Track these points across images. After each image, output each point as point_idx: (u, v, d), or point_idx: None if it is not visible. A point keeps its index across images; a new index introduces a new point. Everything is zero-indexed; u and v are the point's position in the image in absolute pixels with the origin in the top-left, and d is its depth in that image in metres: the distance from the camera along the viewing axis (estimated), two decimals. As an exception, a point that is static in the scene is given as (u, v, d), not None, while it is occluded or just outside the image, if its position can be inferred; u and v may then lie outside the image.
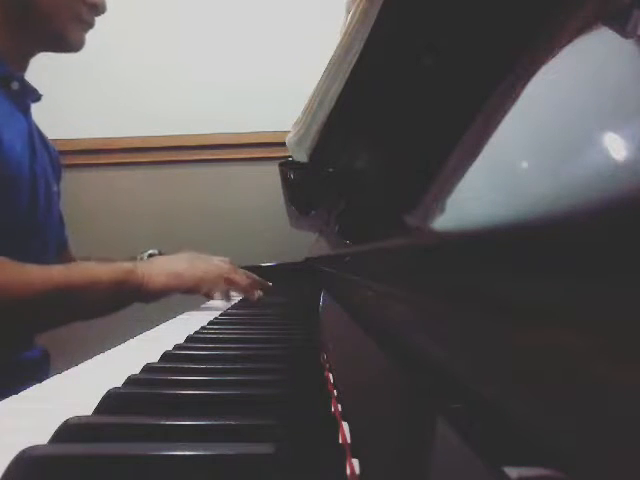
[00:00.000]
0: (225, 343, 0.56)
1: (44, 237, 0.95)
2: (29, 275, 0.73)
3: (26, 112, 0.94)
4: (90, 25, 0.95)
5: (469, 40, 0.26)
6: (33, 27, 0.90)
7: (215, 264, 0.96)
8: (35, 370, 0.89)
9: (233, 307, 0.98)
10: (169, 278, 0.86)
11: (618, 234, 0.08)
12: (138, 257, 1.11)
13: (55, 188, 1.03)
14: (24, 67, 0.96)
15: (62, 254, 1.08)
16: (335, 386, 0.38)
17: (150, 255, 1.11)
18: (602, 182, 0.09)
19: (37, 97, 0.97)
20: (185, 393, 0.33)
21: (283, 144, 0.67)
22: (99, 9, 0.94)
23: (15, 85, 0.90)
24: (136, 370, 0.41)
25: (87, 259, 1.07)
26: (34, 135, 0.95)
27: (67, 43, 0.93)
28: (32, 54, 0.95)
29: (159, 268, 0.87)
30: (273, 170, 1.03)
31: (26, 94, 0.94)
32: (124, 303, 0.86)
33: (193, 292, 0.92)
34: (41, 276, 0.74)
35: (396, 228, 0.25)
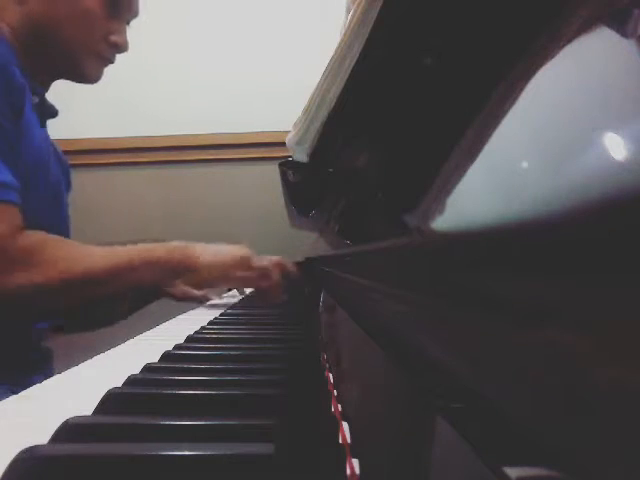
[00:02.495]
0: (225, 343, 0.56)
1: None
2: (89, 251, 0.80)
3: (42, 125, 0.96)
4: (110, 62, 0.96)
5: (469, 40, 0.26)
6: (51, 57, 0.91)
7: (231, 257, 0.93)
8: (39, 365, 0.90)
9: (233, 307, 0.98)
10: (215, 267, 0.89)
11: (618, 234, 0.08)
12: None
13: (66, 199, 1.05)
14: (46, 86, 0.97)
15: None
16: (335, 386, 0.38)
17: None
18: (602, 182, 0.09)
19: (54, 113, 0.99)
20: (185, 393, 0.33)
21: (283, 144, 0.67)
22: (121, 48, 0.95)
23: (35, 99, 0.92)
24: (136, 370, 0.41)
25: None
26: (49, 147, 0.97)
27: (83, 76, 0.95)
28: (52, 78, 0.97)
29: (207, 251, 0.89)
30: (273, 170, 1.03)
31: (45, 110, 0.96)
32: (176, 277, 0.92)
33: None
34: (102, 253, 0.81)
35: (396, 228, 0.25)
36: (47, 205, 0.90)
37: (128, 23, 0.99)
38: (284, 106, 1.22)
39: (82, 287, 0.77)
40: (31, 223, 0.85)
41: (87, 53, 0.91)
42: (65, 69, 0.94)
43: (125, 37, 0.96)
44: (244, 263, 0.91)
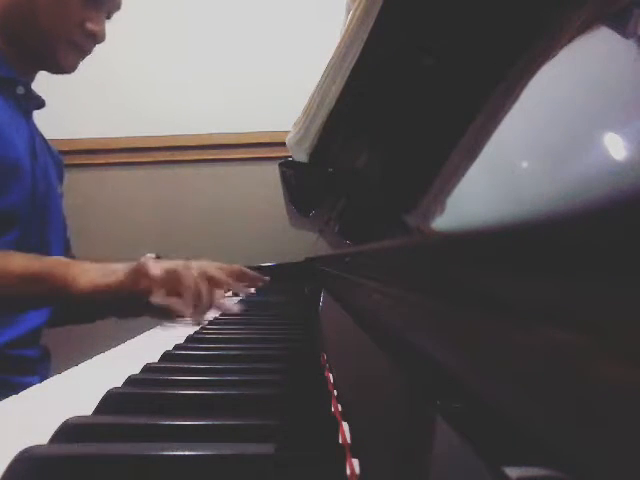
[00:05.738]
0: (225, 343, 0.56)
1: (44, 236, 0.96)
2: None
3: (28, 117, 0.96)
4: (86, 52, 0.96)
5: (469, 40, 0.26)
6: (28, 44, 0.91)
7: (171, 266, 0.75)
8: (36, 366, 0.89)
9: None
10: (97, 275, 0.74)
11: (618, 234, 0.08)
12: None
13: (59, 190, 1.04)
14: (31, 76, 0.97)
15: (65, 256, 1.08)
16: (335, 386, 0.38)
17: None
18: (602, 181, 0.09)
19: (40, 104, 0.99)
20: (185, 393, 0.33)
21: (283, 144, 0.67)
22: (98, 38, 0.94)
23: (20, 90, 0.91)
24: (136, 370, 0.41)
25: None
26: (35, 139, 0.96)
27: (57, 65, 0.94)
28: (34, 68, 0.97)
29: (94, 266, 0.76)
30: (273, 170, 1.03)
31: (30, 100, 0.95)
32: (46, 296, 0.75)
33: (136, 294, 0.74)
34: None
35: (396, 228, 0.25)
36: (26, 197, 0.89)
37: (109, 17, 0.98)
38: (284, 106, 1.22)
39: None
40: (8, 216, 0.85)
41: (62, 39, 0.91)
42: (41, 57, 0.93)
43: (102, 26, 0.95)
44: (138, 275, 0.73)
